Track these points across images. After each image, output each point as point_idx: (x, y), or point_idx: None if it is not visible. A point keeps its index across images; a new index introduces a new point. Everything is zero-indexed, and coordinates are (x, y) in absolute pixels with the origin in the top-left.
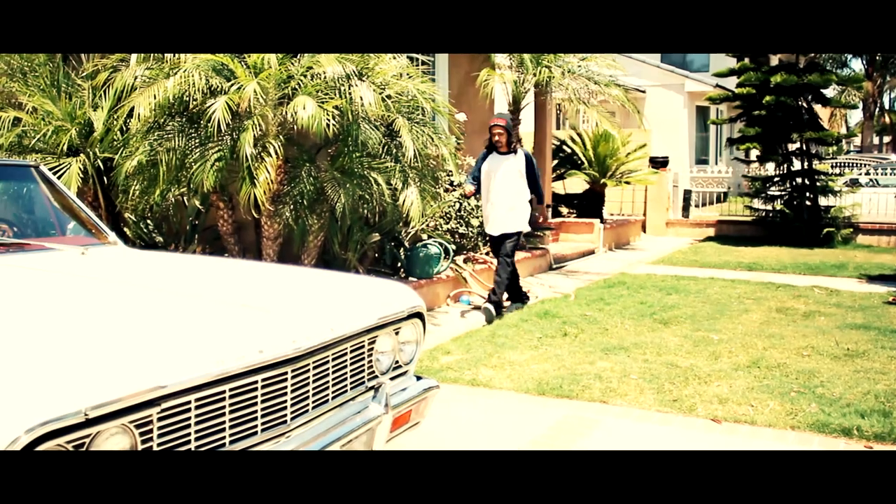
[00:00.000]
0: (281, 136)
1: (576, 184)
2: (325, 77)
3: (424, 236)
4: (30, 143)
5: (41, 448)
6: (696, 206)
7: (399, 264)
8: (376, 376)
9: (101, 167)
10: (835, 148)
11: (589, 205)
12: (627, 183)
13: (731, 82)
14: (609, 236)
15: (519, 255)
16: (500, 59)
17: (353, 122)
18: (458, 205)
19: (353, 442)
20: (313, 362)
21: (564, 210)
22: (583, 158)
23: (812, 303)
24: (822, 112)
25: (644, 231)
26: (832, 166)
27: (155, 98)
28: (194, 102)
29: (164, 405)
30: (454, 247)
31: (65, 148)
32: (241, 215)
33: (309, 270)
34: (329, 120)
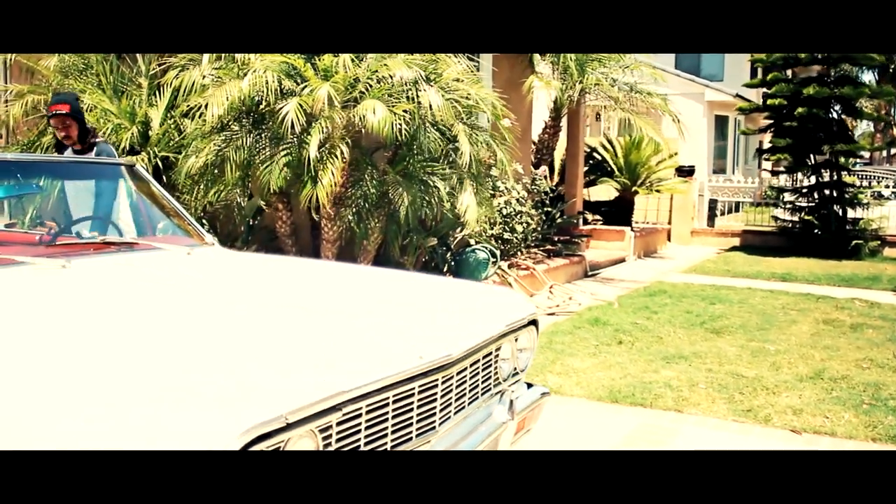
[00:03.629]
0: (348, 139)
1: (601, 191)
2: (392, 81)
3: (472, 241)
4: None
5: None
6: (722, 213)
7: (446, 268)
8: (499, 383)
9: (160, 166)
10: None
11: (618, 212)
12: (658, 191)
13: (750, 92)
14: (638, 244)
15: (557, 262)
16: (542, 66)
17: (419, 126)
18: (503, 210)
19: (482, 448)
20: (457, 369)
21: (589, 217)
22: (613, 166)
23: (856, 315)
24: None
25: (669, 240)
26: (859, 178)
27: (228, 98)
28: (264, 103)
29: (344, 410)
30: (499, 252)
31: (127, 146)
32: (299, 217)
33: (425, 276)
34: (401, 124)
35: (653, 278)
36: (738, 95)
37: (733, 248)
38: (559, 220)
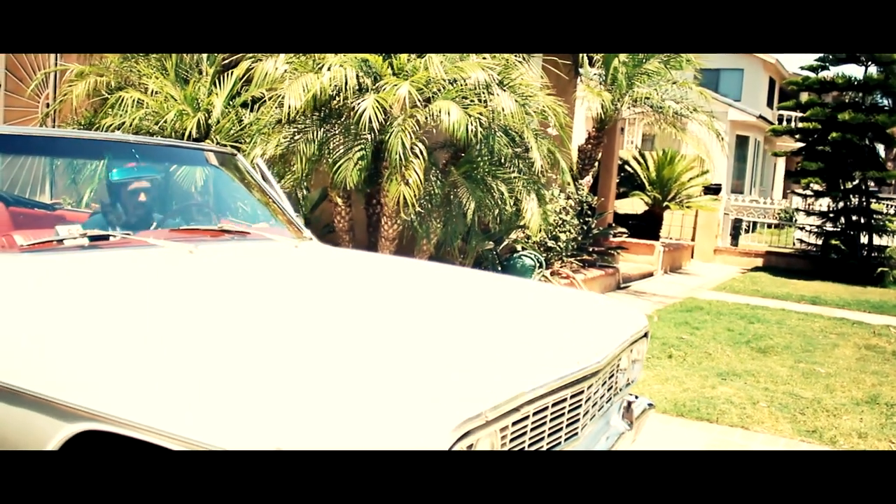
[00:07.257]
0: (424, 138)
1: (626, 204)
2: (466, 82)
3: (519, 247)
4: (149, 126)
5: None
6: (746, 232)
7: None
8: (617, 393)
9: None
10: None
11: (646, 226)
12: (689, 207)
13: (768, 114)
14: (665, 259)
15: (592, 273)
16: (583, 79)
17: (489, 129)
18: (549, 218)
19: None
20: (596, 377)
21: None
22: (644, 180)
23: (895, 342)
24: None
25: (692, 256)
26: (886, 206)
27: (305, 90)
28: (336, 99)
29: (521, 412)
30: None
31: (193, 133)
32: (358, 213)
33: (539, 282)
34: (476, 126)
35: (685, 294)
36: (760, 117)
37: (756, 269)
38: (595, 232)
